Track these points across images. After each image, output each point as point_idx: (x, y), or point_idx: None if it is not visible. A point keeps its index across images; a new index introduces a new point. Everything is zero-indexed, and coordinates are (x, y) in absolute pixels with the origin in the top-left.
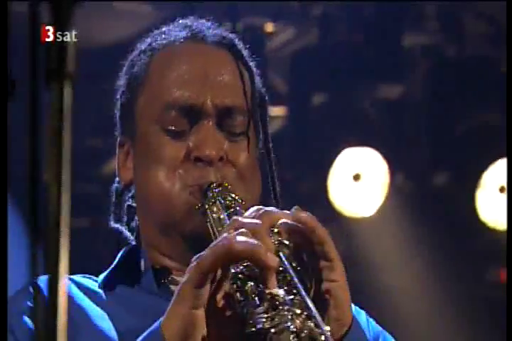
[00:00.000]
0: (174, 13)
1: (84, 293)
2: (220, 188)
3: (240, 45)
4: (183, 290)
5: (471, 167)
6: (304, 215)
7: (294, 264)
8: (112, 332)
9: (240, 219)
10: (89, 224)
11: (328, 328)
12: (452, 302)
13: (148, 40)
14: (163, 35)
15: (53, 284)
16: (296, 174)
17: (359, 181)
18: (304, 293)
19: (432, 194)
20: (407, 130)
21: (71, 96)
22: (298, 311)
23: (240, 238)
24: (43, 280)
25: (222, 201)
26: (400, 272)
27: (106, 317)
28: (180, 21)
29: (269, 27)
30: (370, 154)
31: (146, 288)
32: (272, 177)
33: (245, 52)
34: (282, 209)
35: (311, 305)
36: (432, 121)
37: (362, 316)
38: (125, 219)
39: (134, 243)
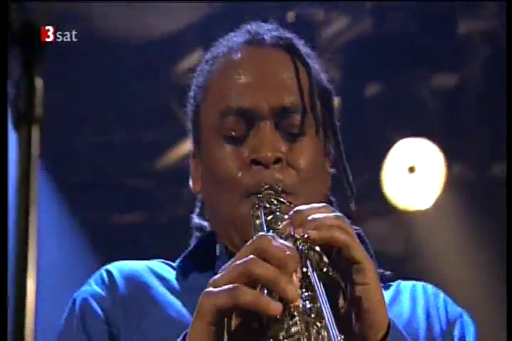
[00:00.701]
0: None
1: (158, 279)
2: (270, 191)
3: (299, 45)
4: (201, 306)
5: None
6: (320, 221)
7: (324, 269)
8: (180, 321)
9: (267, 240)
10: (144, 218)
11: (342, 337)
12: None
13: (213, 49)
14: (224, 42)
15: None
16: (350, 166)
17: (414, 173)
18: (323, 300)
19: (491, 185)
20: (464, 119)
21: (39, 141)
22: (314, 320)
23: (260, 264)
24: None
25: (267, 205)
26: (459, 265)
27: (177, 304)
28: (243, 26)
29: (322, 16)
30: (425, 145)
31: None
32: (344, 171)
33: (304, 51)
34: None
35: (328, 314)
36: (490, 110)
37: (439, 297)
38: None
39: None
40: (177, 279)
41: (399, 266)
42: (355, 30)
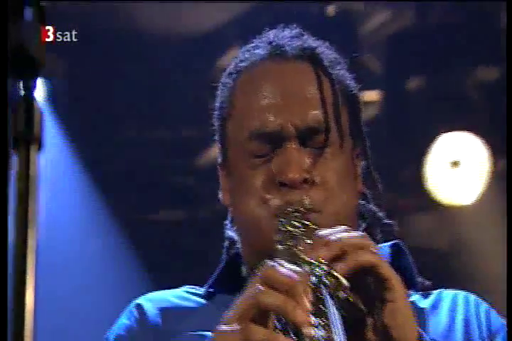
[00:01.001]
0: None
1: (187, 307)
2: (295, 214)
3: (322, 53)
4: (216, 337)
5: None
6: (345, 244)
7: (344, 295)
8: None
9: (273, 268)
10: (184, 216)
11: None
12: None
13: (235, 60)
14: (247, 55)
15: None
16: (392, 161)
17: (458, 168)
18: (338, 328)
19: None
20: (508, 113)
21: (37, 161)
22: None
23: (268, 294)
24: (148, 300)
25: (291, 229)
26: (503, 261)
27: (207, 330)
28: (264, 35)
29: (363, 9)
30: (469, 139)
31: None
32: (373, 179)
33: (328, 59)
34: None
35: None
36: None
37: (481, 308)
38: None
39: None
40: (206, 303)
41: (443, 261)
42: (398, 22)
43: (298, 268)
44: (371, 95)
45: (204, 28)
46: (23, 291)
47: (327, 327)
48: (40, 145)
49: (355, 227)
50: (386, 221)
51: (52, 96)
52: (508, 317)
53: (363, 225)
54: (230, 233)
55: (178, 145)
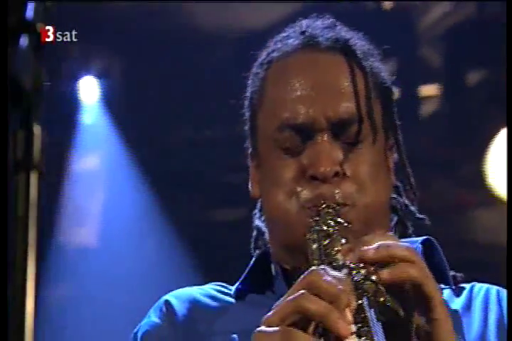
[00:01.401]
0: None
1: (216, 304)
2: (328, 210)
3: (356, 45)
4: (256, 337)
5: None
6: (395, 254)
7: (381, 299)
8: None
9: (318, 275)
10: (241, 215)
11: None
12: None
13: (267, 50)
14: (279, 45)
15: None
16: (452, 156)
17: None
18: (378, 336)
19: None
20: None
21: (37, 187)
22: None
23: (310, 300)
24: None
25: (325, 228)
26: None
27: (236, 327)
28: (297, 25)
29: (421, 3)
30: None
31: (279, 294)
32: (406, 173)
33: (362, 51)
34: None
35: None
36: None
37: None
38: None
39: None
40: (235, 303)
41: (505, 256)
42: (456, 16)
43: (341, 275)
44: (430, 90)
45: (258, 26)
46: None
47: (369, 334)
48: (40, 172)
49: (387, 221)
50: (419, 215)
51: (107, 96)
52: (508, 316)
53: (395, 219)
54: (259, 223)
55: (235, 144)
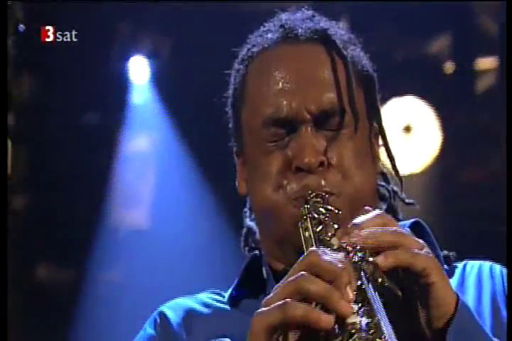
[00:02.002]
0: None
1: (210, 312)
2: (317, 199)
3: (335, 35)
4: (253, 325)
5: None
6: (384, 239)
7: (379, 280)
8: None
9: (317, 255)
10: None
11: None
12: None
13: (247, 45)
14: (259, 39)
15: None
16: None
17: None
18: (382, 314)
19: None
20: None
21: None
22: (373, 337)
23: (311, 280)
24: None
25: (316, 216)
26: None
27: (232, 334)
28: (276, 19)
29: None
30: None
31: None
32: (390, 158)
33: (341, 39)
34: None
35: (386, 328)
36: None
37: (506, 280)
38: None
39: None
40: (230, 309)
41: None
42: None
43: (340, 256)
44: (486, 62)
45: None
46: None
47: (371, 312)
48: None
49: (374, 207)
50: (408, 200)
51: (157, 76)
52: (508, 316)
53: (384, 206)
54: (249, 222)
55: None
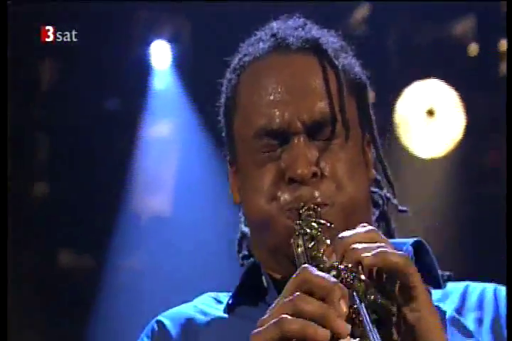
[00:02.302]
0: None
1: (209, 320)
2: (309, 212)
3: (327, 43)
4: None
5: None
6: (381, 250)
7: (372, 297)
8: None
9: (309, 274)
10: None
11: None
12: None
13: (239, 55)
14: (250, 49)
15: None
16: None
17: None
18: (374, 336)
19: None
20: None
21: None
22: None
23: (306, 300)
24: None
25: (308, 230)
26: None
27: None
28: (268, 27)
29: None
30: None
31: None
32: (383, 167)
33: (333, 48)
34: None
35: None
36: None
37: None
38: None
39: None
40: (228, 317)
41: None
42: None
43: (330, 276)
44: None
45: None
46: None
47: (363, 334)
48: None
49: (369, 216)
50: (401, 207)
51: (179, 62)
52: (508, 316)
53: (377, 213)
54: (244, 228)
55: None
